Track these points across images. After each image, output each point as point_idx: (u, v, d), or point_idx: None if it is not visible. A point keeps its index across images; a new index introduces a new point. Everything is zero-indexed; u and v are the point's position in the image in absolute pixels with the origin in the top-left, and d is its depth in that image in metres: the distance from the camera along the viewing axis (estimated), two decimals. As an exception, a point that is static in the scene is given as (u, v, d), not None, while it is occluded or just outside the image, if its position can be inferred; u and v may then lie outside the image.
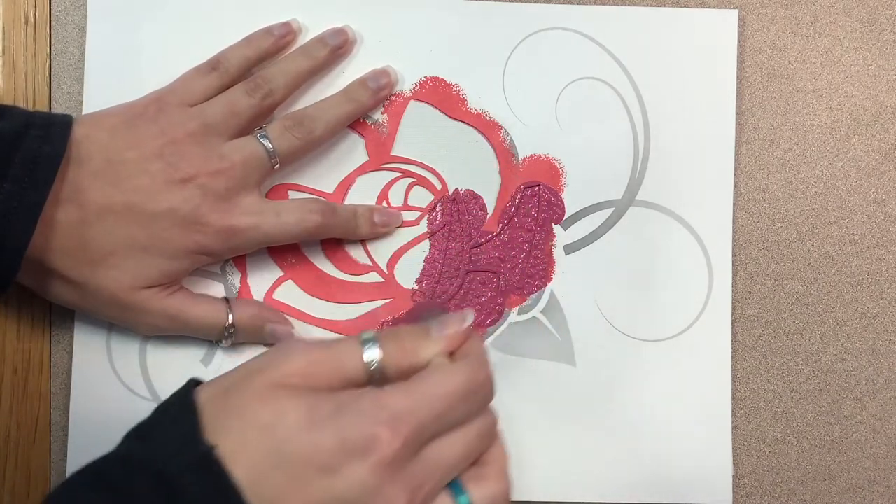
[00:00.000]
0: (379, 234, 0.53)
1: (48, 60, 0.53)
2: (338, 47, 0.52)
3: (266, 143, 0.49)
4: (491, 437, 0.40)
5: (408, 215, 0.54)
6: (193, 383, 0.39)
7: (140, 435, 0.38)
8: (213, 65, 0.50)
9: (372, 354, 0.38)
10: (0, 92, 0.52)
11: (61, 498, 0.36)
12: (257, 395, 0.37)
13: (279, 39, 0.52)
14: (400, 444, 0.36)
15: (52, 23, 0.53)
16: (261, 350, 0.52)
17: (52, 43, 0.53)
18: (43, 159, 0.44)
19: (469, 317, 0.41)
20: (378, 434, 0.36)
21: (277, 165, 0.49)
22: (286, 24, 0.52)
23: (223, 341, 0.51)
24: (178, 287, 0.49)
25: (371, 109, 0.53)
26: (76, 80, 0.53)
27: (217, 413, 0.37)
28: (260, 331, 0.51)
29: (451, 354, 0.40)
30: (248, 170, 0.48)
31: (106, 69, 0.52)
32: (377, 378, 0.39)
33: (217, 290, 0.52)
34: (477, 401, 0.39)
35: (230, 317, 0.50)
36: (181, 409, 0.38)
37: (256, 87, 0.50)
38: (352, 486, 0.36)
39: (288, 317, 0.53)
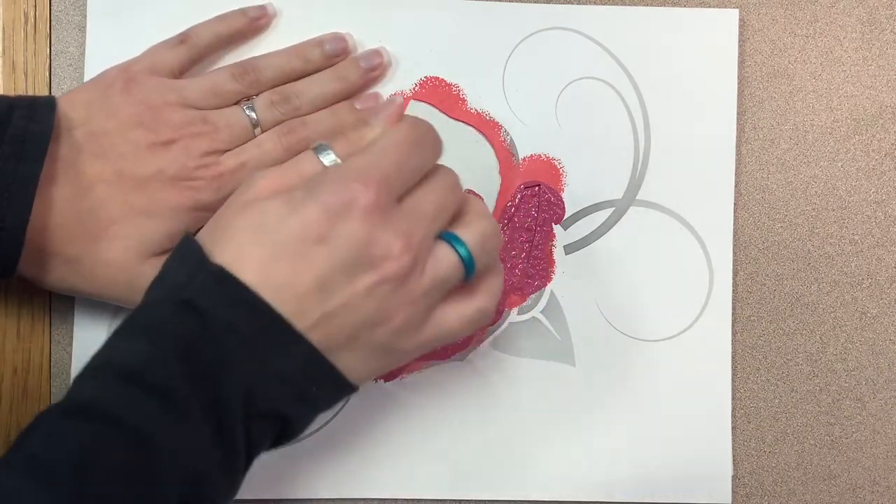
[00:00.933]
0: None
1: (48, 60, 0.53)
2: (335, 55, 0.52)
3: (251, 114, 0.49)
4: (458, 188, 0.43)
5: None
6: (188, 233, 0.42)
7: (156, 283, 0.41)
8: (182, 38, 0.50)
9: (327, 155, 0.42)
10: (0, 91, 0.52)
11: (103, 350, 0.39)
12: (238, 210, 0.40)
13: (253, 21, 0.52)
14: (374, 193, 0.39)
15: (52, 23, 0.53)
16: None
17: (52, 43, 0.53)
18: (31, 136, 0.44)
19: (397, 99, 0.45)
20: (352, 189, 0.39)
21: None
22: (262, 7, 0.52)
23: None
24: None
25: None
26: (76, 80, 0.53)
27: (211, 239, 0.40)
28: None
29: None
30: (232, 135, 0.49)
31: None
32: None
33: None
34: (427, 148, 0.43)
35: None
36: (182, 249, 0.41)
37: (244, 73, 0.50)
38: (349, 243, 0.39)
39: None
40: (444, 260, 0.41)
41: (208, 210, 0.48)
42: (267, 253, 0.39)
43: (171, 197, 0.47)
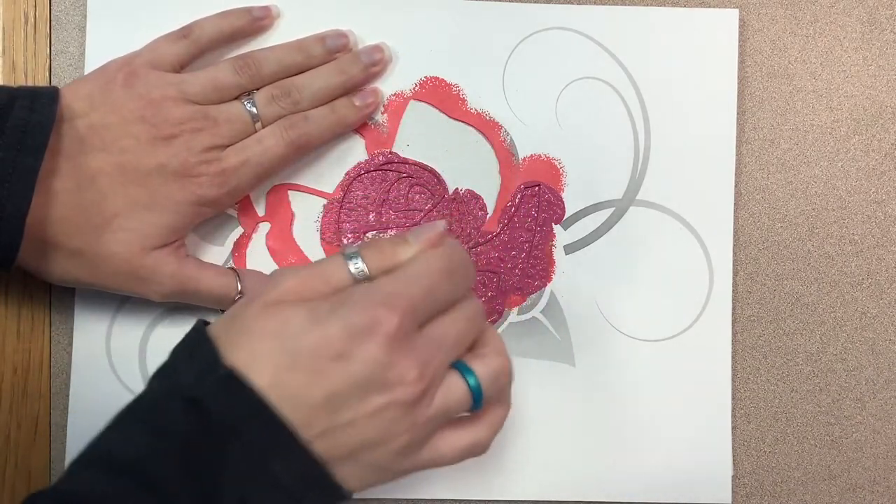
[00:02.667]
0: (367, 116, 0.53)
1: (48, 60, 0.53)
2: (336, 50, 0.52)
3: (252, 109, 0.49)
4: (481, 319, 0.43)
5: (408, 216, 0.54)
6: (201, 322, 0.41)
7: (162, 374, 0.40)
8: (185, 32, 0.50)
9: (356, 264, 0.41)
10: (0, 92, 0.52)
11: (102, 438, 0.38)
12: (259, 313, 0.39)
13: (256, 21, 0.52)
14: (398, 319, 0.39)
15: (52, 23, 0.53)
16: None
17: (52, 43, 0.53)
18: (32, 127, 0.44)
19: (440, 224, 0.43)
20: (377, 313, 0.38)
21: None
22: (266, 8, 0.52)
23: None
24: (187, 254, 0.50)
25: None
26: (76, 80, 0.53)
27: (227, 337, 0.39)
28: None
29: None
30: (233, 130, 0.49)
31: (106, 69, 0.52)
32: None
33: (217, 290, 0.52)
34: (459, 279, 0.42)
35: (239, 286, 0.50)
36: (196, 342, 0.40)
37: (245, 66, 0.50)
38: (365, 365, 0.38)
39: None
40: (455, 391, 0.41)
41: (210, 205, 0.49)
42: (283, 362, 0.38)
43: (173, 192, 0.47)
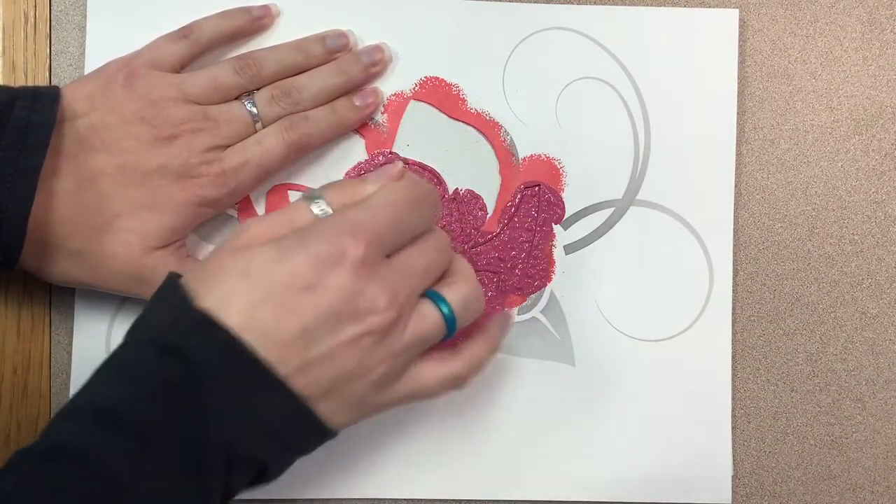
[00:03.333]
0: (367, 116, 0.53)
1: (48, 60, 0.53)
2: (336, 50, 0.52)
3: (252, 109, 0.49)
4: (447, 250, 0.44)
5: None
6: (173, 275, 0.41)
7: (136, 325, 0.40)
8: (185, 32, 0.50)
9: (319, 206, 0.42)
10: (0, 92, 0.52)
11: (82, 391, 0.39)
12: (228, 256, 0.40)
13: (256, 20, 0.52)
14: (364, 247, 0.39)
15: (52, 23, 0.53)
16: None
17: (52, 43, 0.53)
18: (33, 126, 0.44)
19: (398, 164, 0.44)
20: (343, 242, 0.39)
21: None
22: (266, 7, 0.52)
23: None
24: (188, 255, 0.50)
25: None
26: (76, 80, 0.53)
27: (197, 283, 0.40)
28: None
29: None
30: (233, 131, 0.49)
31: (106, 69, 0.52)
32: None
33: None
34: (424, 209, 0.43)
35: None
36: (166, 291, 0.40)
37: (245, 66, 0.50)
38: (335, 294, 0.39)
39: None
40: (427, 318, 0.42)
41: (211, 206, 0.49)
42: (253, 298, 0.38)
43: (174, 193, 0.47)
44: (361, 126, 0.53)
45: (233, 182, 0.49)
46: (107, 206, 0.46)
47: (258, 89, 0.50)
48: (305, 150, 0.51)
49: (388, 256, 0.41)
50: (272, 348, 0.38)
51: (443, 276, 0.44)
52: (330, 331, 0.39)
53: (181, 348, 0.38)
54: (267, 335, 0.38)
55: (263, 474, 0.41)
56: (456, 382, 0.44)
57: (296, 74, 0.51)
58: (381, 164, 0.53)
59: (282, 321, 0.38)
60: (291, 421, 0.39)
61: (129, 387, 0.38)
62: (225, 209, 0.51)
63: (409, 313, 0.41)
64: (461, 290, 0.43)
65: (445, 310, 0.42)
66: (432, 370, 0.43)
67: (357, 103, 0.52)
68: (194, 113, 0.48)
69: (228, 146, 0.49)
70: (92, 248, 0.47)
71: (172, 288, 0.40)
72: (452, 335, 0.43)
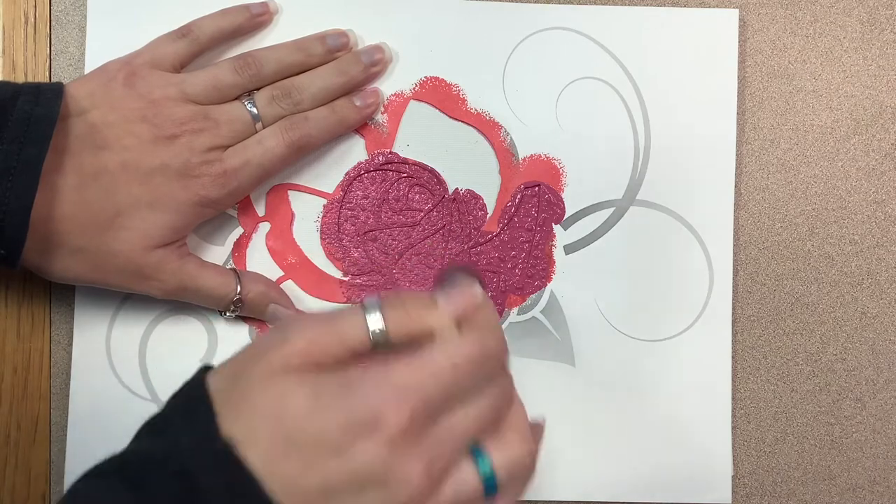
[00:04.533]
0: (368, 116, 0.53)
1: (48, 60, 0.53)
2: (336, 50, 0.52)
3: (252, 109, 0.49)
4: (508, 402, 0.39)
5: (408, 216, 0.54)
6: (204, 370, 0.38)
7: (156, 429, 0.37)
8: (185, 31, 0.50)
9: (375, 323, 0.37)
10: (0, 92, 0.52)
11: (80, 495, 0.36)
12: (261, 381, 0.36)
13: (255, 17, 0.52)
14: (406, 420, 0.35)
15: (52, 23, 0.53)
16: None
17: (52, 43, 0.53)
18: (36, 120, 0.44)
19: (477, 290, 0.38)
20: (383, 411, 0.35)
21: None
22: (264, 4, 0.52)
23: (228, 313, 0.51)
24: (189, 252, 0.50)
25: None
26: (76, 80, 0.53)
27: (227, 401, 0.36)
28: (264, 309, 0.51)
29: (461, 324, 0.38)
30: (234, 131, 0.49)
31: (106, 69, 0.52)
32: (381, 347, 0.37)
33: (217, 290, 0.52)
34: (487, 370, 0.38)
35: (238, 287, 0.51)
36: (195, 399, 0.37)
37: (245, 66, 0.50)
38: (363, 465, 0.35)
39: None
40: (466, 483, 0.37)
41: (212, 206, 0.49)
42: (278, 446, 0.35)
43: (175, 191, 0.47)
44: (361, 126, 0.53)
45: (234, 182, 0.49)
46: (109, 203, 0.46)
47: (258, 89, 0.50)
48: (306, 151, 0.51)
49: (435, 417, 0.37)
50: (290, 498, 0.35)
51: (498, 423, 0.39)
52: (353, 494, 0.35)
53: (196, 480, 0.35)
54: (287, 485, 0.35)
55: None
56: None
57: (296, 74, 0.51)
58: (381, 165, 0.53)
59: (305, 476, 0.35)
60: None
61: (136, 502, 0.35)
62: (226, 209, 0.52)
63: (445, 478, 0.37)
64: (511, 452, 0.38)
65: (486, 470, 0.37)
66: None
67: (357, 103, 0.52)
68: (195, 113, 0.48)
69: (229, 146, 0.49)
70: (93, 245, 0.47)
71: (200, 397, 0.36)
72: (492, 496, 0.38)
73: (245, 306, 0.51)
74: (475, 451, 0.37)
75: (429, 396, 0.36)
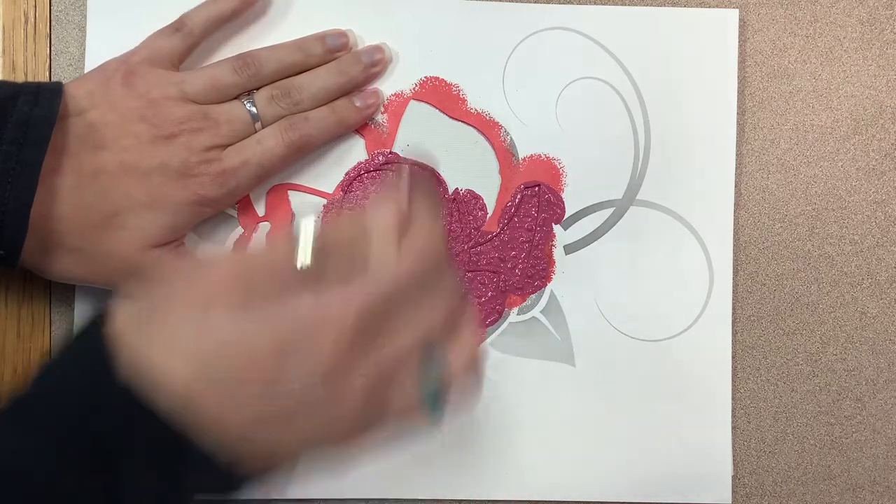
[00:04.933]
0: (368, 117, 0.53)
1: (48, 60, 0.53)
2: (336, 49, 0.52)
3: (252, 109, 0.49)
4: (456, 301, 0.38)
5: (408, 215, 0.54)
6: (106, 311, 0.35)
7: (55, 370, 0.36)
8: (177, 26, 0.50)
9: (304, 256, 0.36)
10: (0, 92, 0.52)
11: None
12: (184, 309, 0.35)
13: (245, 3, 0.51)
14: (350, 330, 0.34)
15: (52, 23, 0.53)
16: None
17: (52, 43, 0.53)
18: (35, 121, 0.44)
19: (403, 185, 0.37)
20: (326, 319, 0.34)
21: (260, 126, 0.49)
22: None
23: None
24: (186, 251, 0.50)
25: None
26: (76, 80, 0.53)
27: (137, 335, 0.34)
28: None
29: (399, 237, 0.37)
30: (233, 131, 0.49)
31: (106, 69, 0.52)
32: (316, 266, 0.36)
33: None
34: (428, 282, 0.37)
35: None
36: (93, 339, 0.35)
37: (245, 66, 0.50)
38: (298, 390, 0.34)
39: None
40: (408, 399, 0.36)
41: (210, 205, 0.49)
42: (204, 375, 0.34)
43: (173, 191, 0.47)
44: (361, 126, 0.53)
45: (232, 182, 0.49)
46: (106, 203, 0.46)
47: (258, 89, 0.50)
48: (305, 151, 0.51)
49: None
50: (222, 427, 0.34)
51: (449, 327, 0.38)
52: (287, 420, 0.35)
53: (102, 413, 0.33)
54: (217, 414, 0.34)
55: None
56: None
57: (296, 74, 0.51)
58: (381, 165, 0.53)
59: (236, 404, 0.34)
60: (211, 482, 0.36)
61: (39, 444, 0.33)
62: (225, 208, 0.51)
63: (390, 391, 0.36)
64: (460, 354, 0.37)
65: (430, 390, 0.36)
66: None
67: (357, 104, 0.52)
68: (194, 112, 0.48)
69: (228, 146, 0.49)
70: (91, 245, 0.47)
71: (98, 336, 0.34)
72: (440, 414, 0.37)
73: None
74: (425, 363, 0.36)
75: (369, 307, 0.35)
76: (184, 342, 0.34)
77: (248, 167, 0.49)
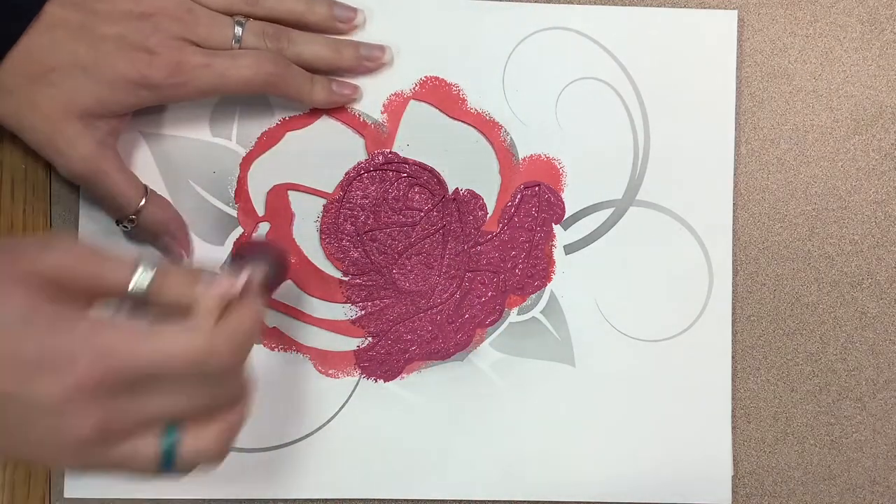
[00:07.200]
0: (335, 104, 0.52)
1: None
2: (339, 20, 0.52)
3: (238, 30, 0.49)
4: (227, 401, 0.39)
5: (408, 216, 0.54)
6: None
7: None
8: None
9: (142, 280, 0.38)
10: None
11: None
12: None
13: None
14: (95, 379, 0.35)
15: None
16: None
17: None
18: None
19: (239, 283, 0.39)
20: (78, 360, 0.35)
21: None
22: None
23: (122, 225, 0.50)
24: (114, 151, 0.49)
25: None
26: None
27: None
28: (157, 237, 0.51)
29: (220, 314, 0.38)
30: (209, 36, 0.48)
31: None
32: (134, 303, 0.38)
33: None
34: (211, 377, 0.38)
35: (140, 205, 0.49)
36: None
37: (255, 1, 0.49)
38: (38, 397, 0.35)
39: (287, 316, 0.53)
40: (140, 454, 0.37)
41: (151, 89, 0.47)
42: None
43: (119, 63, 0.47)
44: (361, 126, 0.53)
45: (184, 76, 0.47)
46: (49, 56, 0.46)
47: (248, 19, 0.50)
48: (266, 91, 0.50)
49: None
50: None
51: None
52: (24, 411, 0.35)
53: None
54: None
55: None
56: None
57: (291, 23, 0.51)
58: (381, 165, 0.53)
59: None
60: None
61: None
62: (164, 102, 0.50)
63: (123, 440, 0.37)
64: (201, 444, 0.38)
65: (168, 446, 0.37)
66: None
67: (333, 88, 0.52)
68: (181, 2, 0.48)
69: (197, 47, 0.48)
70: (21, 91, 0.46)
71: None
72: (168, 472, 0.38)
73: (139, 226, 0.50)
74: (170, 428, 0.37)
75: (127, 369, 0.36)
76: None
77: (208, 72, 0.48)
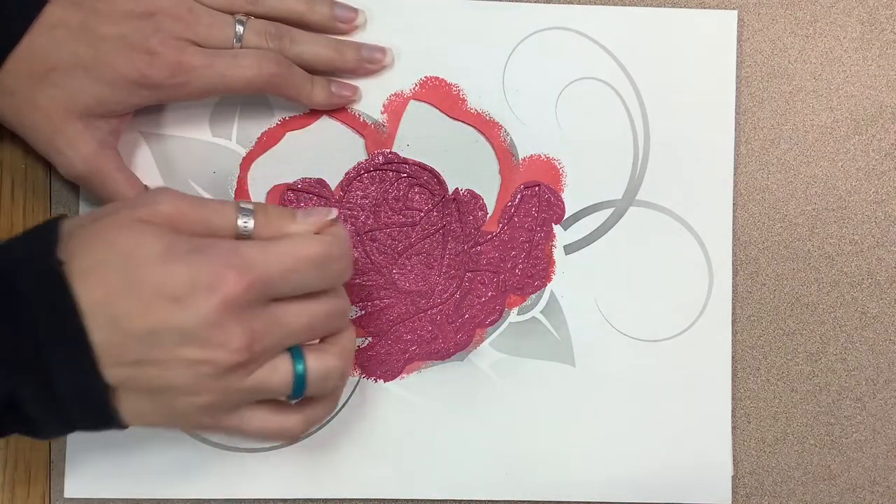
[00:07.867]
0: (334, 105, 0.52)
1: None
2: (340, 20, 0.52)
3: (239, 29, 0.49)
4: (340, 319, 0.43)
5: (408, 216, 0.54)
6: (62, 215, 0.41)
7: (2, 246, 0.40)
8: None
9: (246, 222, 0.41)
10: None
11: None
12: (120, 224, 0.39)
13: None
14: (244, 288, 0.39)
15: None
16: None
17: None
18: None
19: (332, 212, 0.43)
20: (225, 274, 0.39)
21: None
22: None
23: None
24: (115, 152, 0.49)
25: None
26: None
27: (78, 235, 0.39)
28: None
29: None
30: (210, 36, 0.48)
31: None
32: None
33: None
34: (329, 273, 0.42)
35: None
36: (44, 228, 0.40)
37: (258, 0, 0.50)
38: (194, 317, 0.38)
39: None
40: (278, 372, 0.41)
41: (151, 89, 0.47)
42: (119, 282, 0.38)
43: (119, 62, 0.46)
44: (361, 126, 0.53)
45: (185, 76, 0.47)
46: (50, 55, 0.46)
47: (250, 18, 0.50)
48: (268, 91, 0.50)
49: (276, 299, 0.41)
50: (114, 335, 0.38)
51: (324, 340, 0.44)
52: (174, 344, 0.39)
53: (17, 288, 0.38)
54: (114, 321, 0.38)
55: (32, 431, 0.40)
56: (284, 436, 0.44)
57: (292, 23, 0.51)
58: (381, 165, 0.53)
59: (134, 316, 0.38)
60: (82, 400, 0.39)
61: None
62: (163, 102, 0.50)
63: (263, 361, 0.41)
64: (326, 362, 0.42)
65: (299, 371, 0.42)
66: (264, 417, 0.43)
67: (332, 89, 0.52)
68: (182, 1, 0.48)
69: (198, 47, 0.48)
70: (23, 91, 0.46)
71: (47, 229, 0.40)
72: (297, 398, 0.43)
73: None
74: (294, 353, 0.42)
75: (269, 275, 0.40)
76: (111, 256, 0.38)
77: (209, 72, 0.48)
